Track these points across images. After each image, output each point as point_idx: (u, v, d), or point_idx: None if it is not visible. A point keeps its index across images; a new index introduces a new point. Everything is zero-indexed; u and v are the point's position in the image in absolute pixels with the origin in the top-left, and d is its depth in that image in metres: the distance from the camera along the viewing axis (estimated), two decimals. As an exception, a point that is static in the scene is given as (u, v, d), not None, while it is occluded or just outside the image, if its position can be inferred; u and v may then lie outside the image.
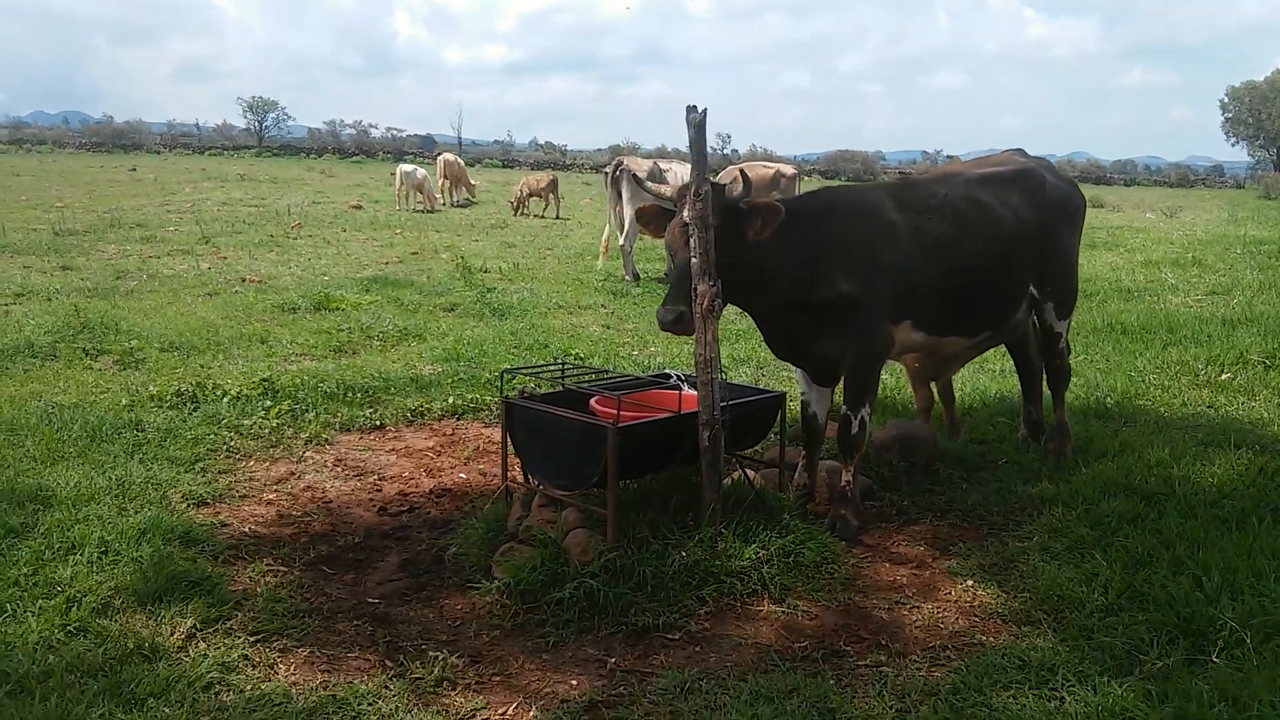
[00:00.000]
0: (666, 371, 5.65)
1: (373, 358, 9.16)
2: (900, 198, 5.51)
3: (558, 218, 27.05)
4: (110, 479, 5.59)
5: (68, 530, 4.76)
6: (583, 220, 26.44)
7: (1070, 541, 5.03)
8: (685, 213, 4.84)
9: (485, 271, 14.85)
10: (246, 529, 5.35)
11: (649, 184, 5.27)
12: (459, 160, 32.68)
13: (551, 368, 5.57)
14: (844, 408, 5.40)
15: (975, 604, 4.55)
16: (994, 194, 5.72)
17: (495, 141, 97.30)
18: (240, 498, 5.78)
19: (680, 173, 14.09)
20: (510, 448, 5.30)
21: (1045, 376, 6.48)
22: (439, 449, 6.84)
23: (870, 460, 6.08)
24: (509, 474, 5.44)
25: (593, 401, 5.07)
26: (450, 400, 7.56)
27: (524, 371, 5.58)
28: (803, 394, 5.68)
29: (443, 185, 30.62)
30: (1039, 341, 6.33)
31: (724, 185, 4.94)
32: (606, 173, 13.89)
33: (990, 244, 5.62)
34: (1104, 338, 9.87)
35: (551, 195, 27.73)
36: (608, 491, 4.55)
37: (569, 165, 69.88)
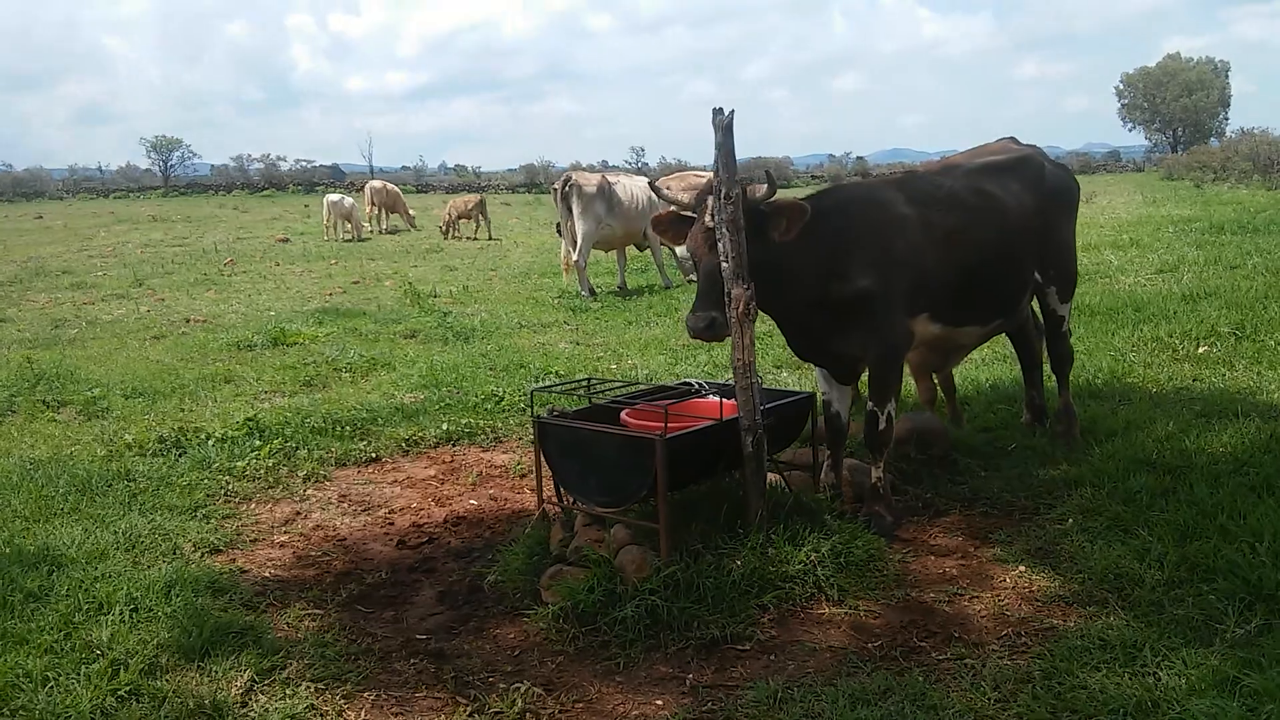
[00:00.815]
0: (687, 380, 5.55)
1: (345, 390, 8.92)
2: (908, 192, 5.50)
3: (490, 239, 26.82)
4: (115, 533, 5.32)
5: (90, 589, 4.50)
6: (516, 240, 26.25)
7: (1108, 520, 5.04)
8: (707, 217, 4.77)
9: (435, 296, 14.63)
10: (267, 573, 5.13)
11: (665, 192, 5.18)
12: (391, 187, 32.21)
13: (575, 383, 5.43)
14: (869, 404, 5.36)
15: (1033, 589, 4.52)
16: (997, 182, 5.75)
17: (404, 167, 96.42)
18: (251, 542, 5.55)
19: (629, 185, 14.03)
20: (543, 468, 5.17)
21: (1049, 360, 6.52)
22: (442, 477, 6.66)
23: (888, 455, 6.05)
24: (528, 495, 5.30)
25: (623, 415, 4.95)
26: (445, 427, 7.37)
27: (553, 390, 5.42)
28: (824, 393, 5.63)
29: (371, 213, 30.19)
30: (1043, 326, 6.38)
31: (747, 187, 4.86)
32: (555, 189, 13.77)
33: (998, 232, 5.64)
34: (1074, 320, 10.00)
35: (481, 216, 27.49)
36: (658, 505, 4.44)
37: (484, 187, 69.41)
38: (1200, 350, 8.28)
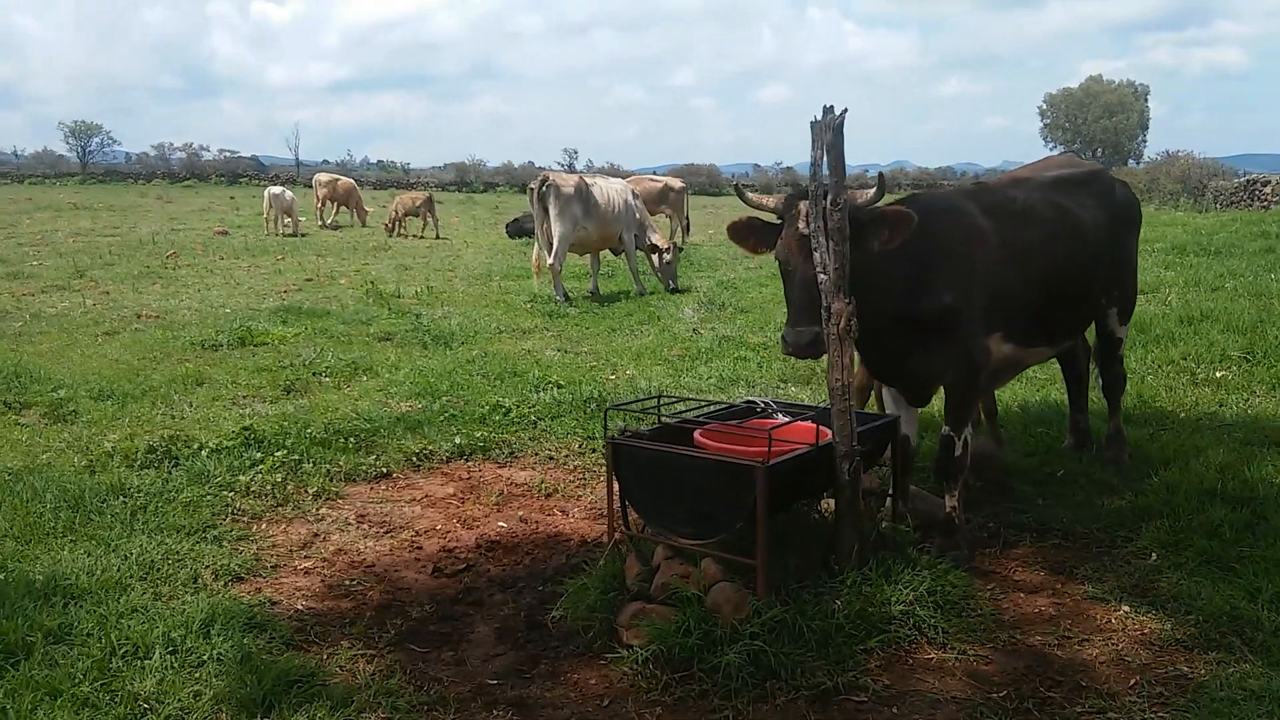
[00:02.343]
0: (751, 399, 5.20)
1: (329, 396, 8.39)
2: (983, 204, 5.22)
3: (438, 237, 26.15)
4: (125, 558, 4.79)
5: (118, 628, 3.98)
6: (465, 240, 25.65)
7: (1197, 555, 4.83)
8: (800, 223, 4.44)
9: (399, 297, 14.05)
10: (300, 605, 4.65)
11: (750, 195, 4.81)
12: (344, 180, 31.32)
13: (647, 400, 5.04)
14: (945, 429, 5.07)
15: (1145, 632, 4.26)
16: (1070, 197, 5.51)
17: (325, 161, 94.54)
18: (272, 569, 5.06)
19: (605, 187, 13.64)
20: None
21: (1101, 383, 6.31)
22: (461, 496, 6.21)
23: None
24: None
25: (698, 435, 4.58)
26: (457, 440, 6.90)
27: (626, 408, 4.99)
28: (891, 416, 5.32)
29: (319, 207, 29.37)
30: (1100, 348, 6.16)
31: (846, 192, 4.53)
32: (531, 189, 13.29)
33: (1074, 249, 5.40)
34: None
35: (429, 215, 26.80)
36: (757, 538, 4.07)
37: (412, 184, 68.25)
38: (1219, 375, 8.17)
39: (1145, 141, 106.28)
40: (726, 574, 4.20)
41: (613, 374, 9.12)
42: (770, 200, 4.76)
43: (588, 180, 13.45)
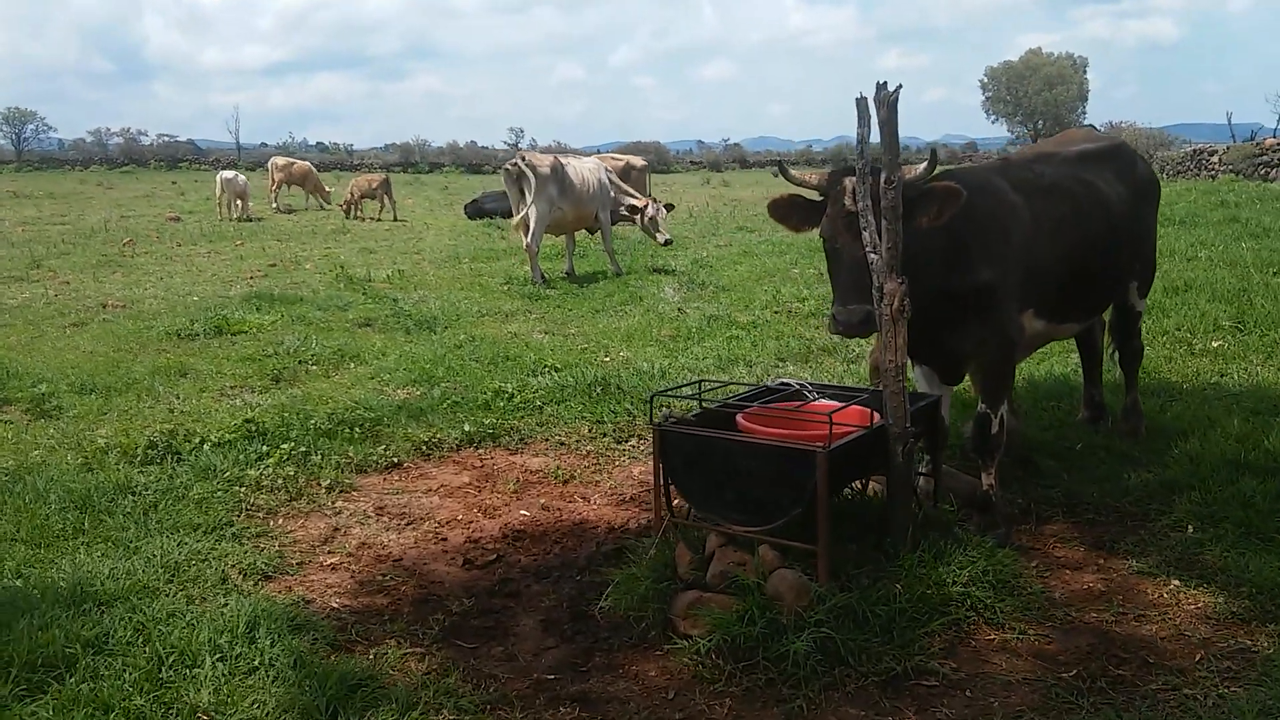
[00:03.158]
0: (784, 380, 5.11)
1: (321, 385, 8.17)
2: (1012, 180, 5.17)
3: (395, 219, 25.75)
4: (148, 560, 4.60)
5: (160, 635, 3.80)
6: (425, 221, 25.29)
7: (1236, 528, 4.82)
8: (847, 200, 4.36)
9: (369, 281, 13.77)
10: (334, 603, 4.51)
11: (793, 173, 4.70)
12: (300, 163, 30.89)
13: (689, 384, 4.92)
14: (981, 406, 5.02)
15: (1199, 607, 4.25)
16: (1095, 172, 5.48)
17: (263, 144, 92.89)
18: (298, 565, 4.90)
19: (579, 167, 13.46)
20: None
21: (1117, 356, 6.31)
22: (478, 484, 6.07)
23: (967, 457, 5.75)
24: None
25: (741, 420, 4.49)
26: (466, 428, 6.75)
27: (670, 394, 4.86)
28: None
29: (274, 190, 28.87)
30: (1118, 321, 6.15)
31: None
32: (507, 169, 13.07)
33: (1101, 223, 5.37)
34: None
35: (386, 197, 26.38)
36: (818, 524, 3.99)
37: (356, 165, 67.22)
38: (1214, 345, 8.23)
39: (1084, 113, 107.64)
40: (784, 560, 4.11)
41: (606, 356, 8.99)
42: (813, 177, 4.67)
43: (562, 160, 13.26)
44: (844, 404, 4.53)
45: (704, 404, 4.70)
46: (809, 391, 4.91)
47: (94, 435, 6.67)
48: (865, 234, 4.21)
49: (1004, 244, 4.87)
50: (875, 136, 4.35)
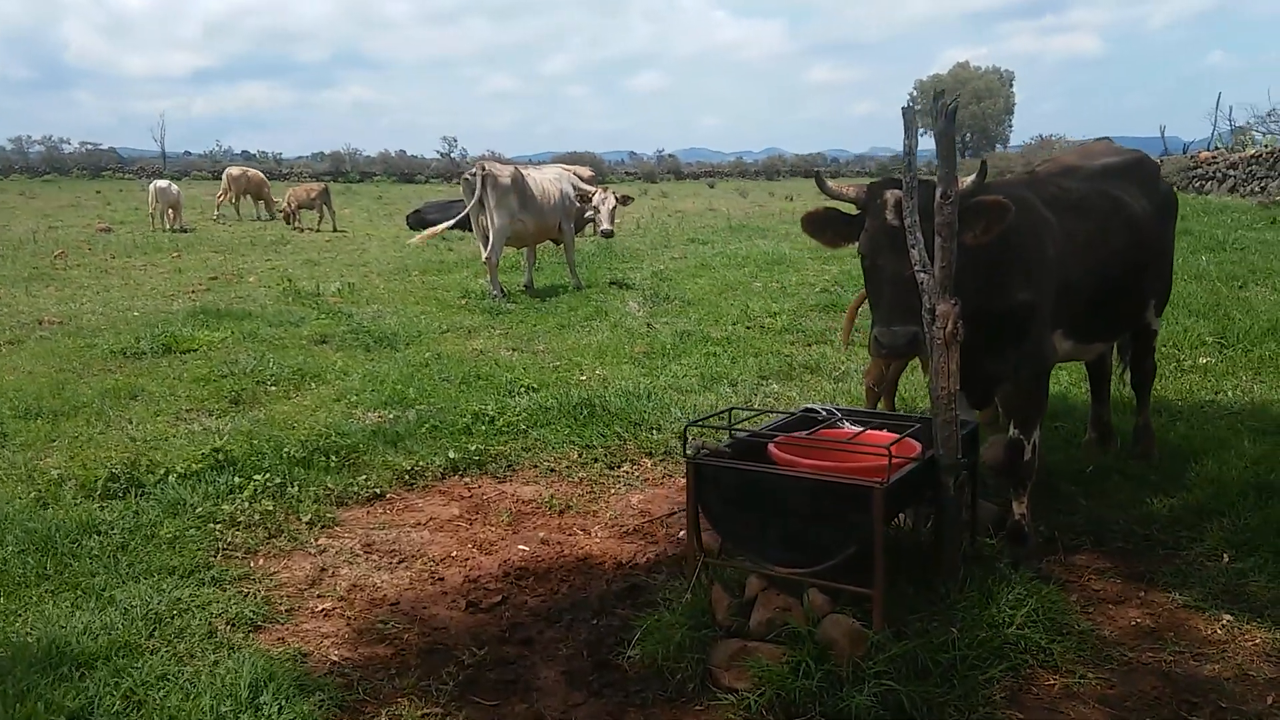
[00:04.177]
0: (811, 406, 4.82)
1: (283, 407, 7.71)
2: (1042, 195, 4.96)
3: (335, 230, 25.09)
4: (126, 612, 4.17)
5: (155, 704, 3.39)
6: (367, 232, 24.68)
7: (1276, 556, 4.65)
8: (888, 215, 4.10)
9: (318, 295, 13.25)
10: (334, 655, 4.11)
11: (829, 184, 4.43)
12: (253, 172, 30.21)
13: (720, 413, 4.59)
14: (1014, 430, 4.79)
15: (1257, 643, 4.06)
16: (1121, 187, 5.30)
17: (186, 152, 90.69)
18: (288, 613, 4.48)
19: (539, 178, 13.09)
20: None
21: (1130, 376, 6.14)
22: (468, 516, 5.70)
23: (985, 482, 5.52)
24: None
25: (773, 450, 4.19)
26: (451, 455, 6.36)
27: (704, 423, 4.50)
28: (950, 419, 5.02)
29: (225, 200, 28.14)
30: (1134, 340, 5.98)
31: (933, 182, 4.19)
32: (466, 179, 12.64)
33: (1128, 240, 5.19)
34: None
35: (325, 206, 25.69)
36: (874, 565, 3.70)
37: (286, 174, 65.91)
38: (1203, 361, 8.15)
39: (1011, 126, 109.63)
40: (834, 605, 3.82)
41: (582, 375, 8.64)
42: (850, 190, 4.41)
43: (524, 171, 12.88)
44: (899, 434, 4.24)
45: (734, 433, 4.39)
46: (839, 418, 4.63)
47: (45, 465, 6.17)
48: (914, 251, 3.95)
49: (1040, 262, 4.65)
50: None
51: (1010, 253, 4.53)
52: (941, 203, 3.82)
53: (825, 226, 4.48)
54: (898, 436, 4.03)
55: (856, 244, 4.39)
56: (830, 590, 3.83)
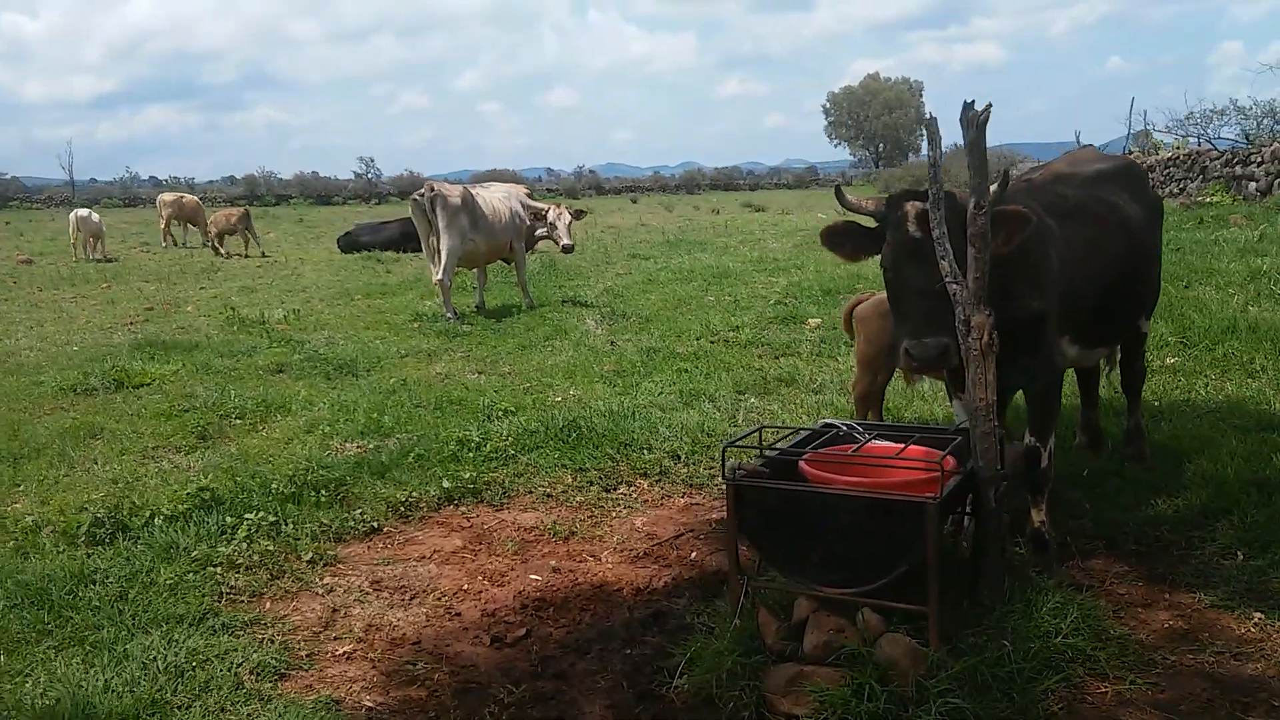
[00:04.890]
0: (828, 421, 4.78)
1: (254, 441, 7.47)
2: (1042, 202, 4.99)
3: (263, 255, 24.53)
4: (145, 667, 3.97)
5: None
6: (298, 256, 24.18)
7: (1288, 551, 4.74)
8: (911, 227, 4.09)
9: (263, 323, 12.91)
10: (368, 701, 3.96)
11: (849, 198, 4.40)
12: (189, 198, 29.61)
13: (752, 432, 4.51)
14: (1030, 439, 4.82)
15: (1296, 642, 4.10)
16: (1114, 192, 5.38)
17: (91, 179, 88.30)
18: (309, 658, 4.31)
19: (489, 197, 12.94)
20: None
21: (1122, 380, 6.23)
22: (472, 547, 5.56)
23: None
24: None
25: (807, 469, 4.14)
26: (444, 484, 6.19)
27: (739, 444, 4.40)
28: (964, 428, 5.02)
29: (164, 227, 27.51)
30: (1125, 344, 6.05)
31: (955, 192, 4.19)
32: (416, 199, 12.43)
33: (1125, 244, 5.26)
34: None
35: (248, 231, 25.11)
36: (928, 582, 3.67)
37: (201, 199, 64.37)
38: (1170, 361, 8.31)
39: (923, 135, 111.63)
40: (888, 624, 3.77)
41: (557, 396, 8.52)
42: (869, 203, 4.38)
43: (473, 190, 12.71)
44: (939, 449, 4.21)
45: (764, 452, 4.32)
46: (858, 432, 4.59)
47: (15, 512, 5.89)
48: (944, 263, 3.93)
49: (1048, 270, 4.68)
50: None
51: (1020, 262, 4.55)
52: (975, 213, 3.82)
53: (845, 240, 4.46)
54: (944, 451, 3.99)
55: (878, 257, 4.36)
56: (882, 609, 3.78)
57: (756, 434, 4.33)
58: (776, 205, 44.82)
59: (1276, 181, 19.54)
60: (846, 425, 4.66)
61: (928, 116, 3.98)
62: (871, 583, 3.74)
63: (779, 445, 4.45)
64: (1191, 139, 28.23)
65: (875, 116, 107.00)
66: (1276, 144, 20.47)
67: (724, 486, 6.20)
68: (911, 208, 4.16)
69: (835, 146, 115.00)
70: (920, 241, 4.11)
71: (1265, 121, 24.09)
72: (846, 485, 3.87)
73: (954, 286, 3.92)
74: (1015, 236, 4.14)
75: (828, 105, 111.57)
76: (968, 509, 4.66)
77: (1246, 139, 24.13)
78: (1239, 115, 24.96)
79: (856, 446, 4.20)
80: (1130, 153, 29.07)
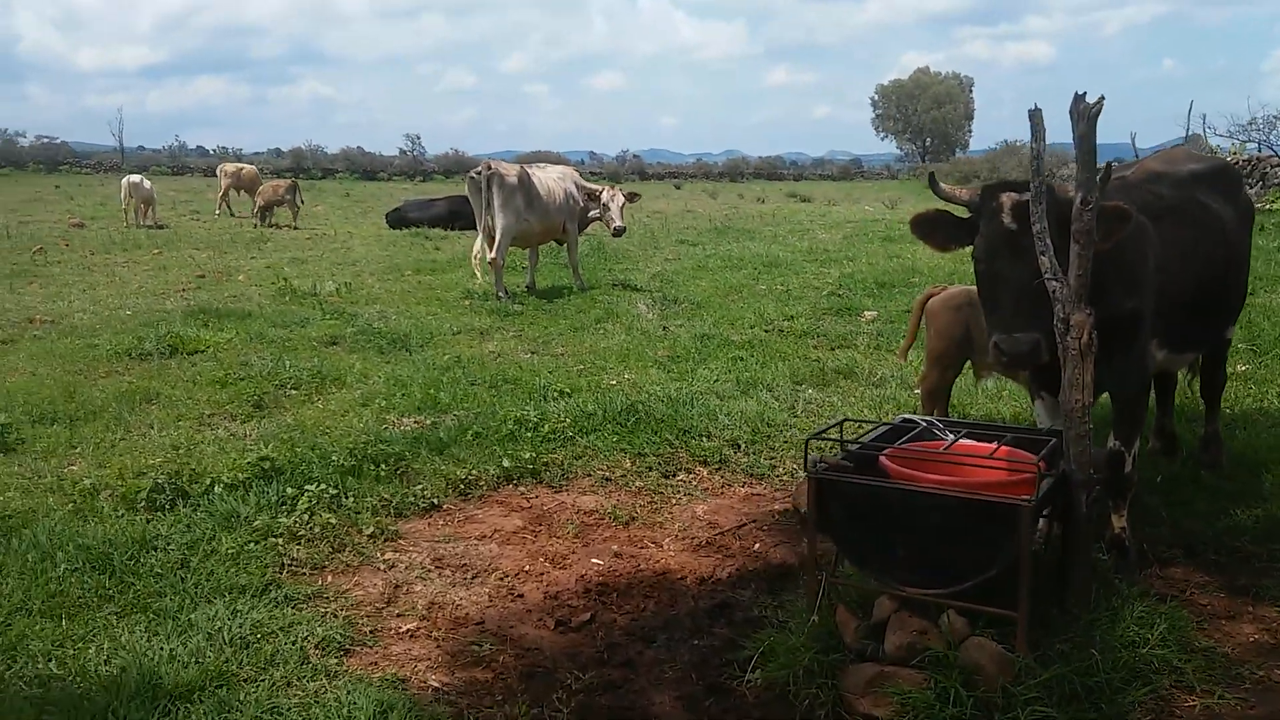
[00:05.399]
0: (907, 416, 4.66)
1: (309, 412, 7.43)
2: (1137, 201, 4.81)
3: (295, 229, 24.51)
4: (210, 637, 3.93)
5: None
6: (348, 230, 24.23)
7: (1386, 570, 4.57)
8: (1007, 219, 3.96)
9: (315, 294, 12.90)
10: (433, 681, 3.90)
11: (943, 186, 4.27)
12: (248, 168, 30.03)
13: (833, 425, 4.39)
14: (1114, 442, 4.66)
15: (1392, 662, 3.94)
16: (1208, 194, 5.19)
17: (140, 147, 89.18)
18: (372, 634, 4.25)
19: (544, 178, 12.86)
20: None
21: (1202, 385, 6.04)
22: (532, 528, 5.49)
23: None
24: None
25: (891, 465, 4.01)
26: (505, 464, 6.12)
27: (822, 436, 4.29)
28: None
29: (222, 197, 28.20)
30: (1209, 350, 5.87)
31: (1054, 185, 4.05)
32: (473, 177, 12.36)
33: (1219, 247, 5.09)
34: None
35: (294, 204, 25.16)
36: (1019, 586, 3.54)
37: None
38: (1241, 369, 8.09)
39: (971, 132, 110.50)
40: (973, 628, 3.66)
41: (613, 380, 8.42)
42: (964, 193, 4.25)
43: (529, 170, 12.62)
44: (1035, 450, 4.07)
45: (846, 446, 4.20)
46: (938, 429, 4.46)
47: (73, 474, 5.89)
48: (1043, 259, 3.79)
49: (1145, 270, 4.52)
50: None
51: (1117, 261, 4.40)
52: (1081, 209, 3.67)
53: (936, 229, 4.33)
54: (1040, 453, 3.86)
55: (970, 248, 4.23)
56: (967, 612, 3.66)
57: (838, 428, 4.20)
58: (821, 196, 44.41)
59: (1340, 189, 19.06)
60: (926, 421, 4.53)
61: (1032, 108, 3.83)
62: (958, 585, 3.62)
63: (861, 439, 4.32)
64: (1251, 144, 27.64)
65: (924, 111, 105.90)
66: (1343, 151, 19.95)
67: (787, 478, 6.17)
68: (1008, 198, 4.04)
69: (882, 139, 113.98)
70: (1015, 234, 3.99)
71: (1331, 128, 23.47)
72: (937, 484, 3.74)
73: (1053, 284, 3.78)
74: (1115, 234, 4.00)
75: (876, 98, 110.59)
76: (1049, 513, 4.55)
77: (1310, 145, 23.54)
78: (1305, 122, 24.32)
79: (947, 444, 4.06)
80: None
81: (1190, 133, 30.02)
